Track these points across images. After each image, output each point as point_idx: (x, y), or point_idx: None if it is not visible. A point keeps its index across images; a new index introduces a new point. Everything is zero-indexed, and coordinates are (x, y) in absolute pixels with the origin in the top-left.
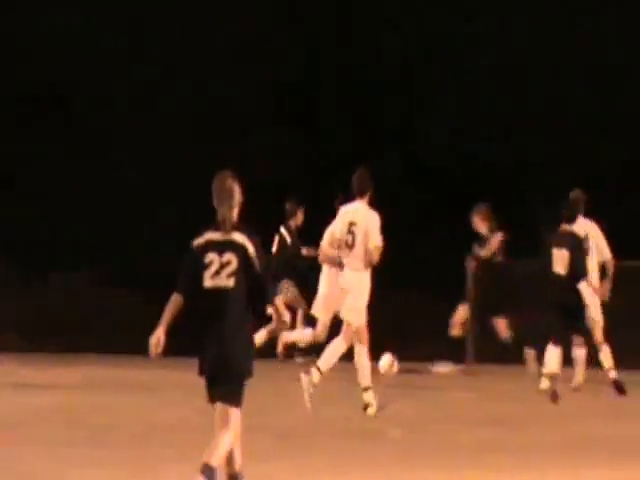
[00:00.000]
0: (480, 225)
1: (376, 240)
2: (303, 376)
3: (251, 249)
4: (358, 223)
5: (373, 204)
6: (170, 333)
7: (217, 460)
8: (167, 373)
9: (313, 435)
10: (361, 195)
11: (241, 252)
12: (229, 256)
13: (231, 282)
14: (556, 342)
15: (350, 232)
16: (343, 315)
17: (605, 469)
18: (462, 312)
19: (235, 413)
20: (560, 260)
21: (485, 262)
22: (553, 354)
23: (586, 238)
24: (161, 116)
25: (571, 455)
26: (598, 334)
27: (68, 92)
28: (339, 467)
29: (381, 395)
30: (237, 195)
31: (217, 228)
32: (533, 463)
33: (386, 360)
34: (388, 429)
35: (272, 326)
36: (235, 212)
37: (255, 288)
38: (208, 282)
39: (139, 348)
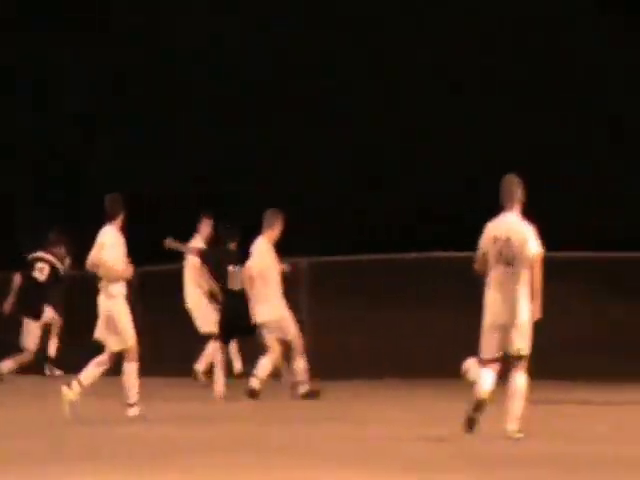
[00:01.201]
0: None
1: (114, 259)
2: (64, 388)
3: None
4: (106, 244)
5: (124, 228)
6: None
7: None
8: None
9: None
10: (112, 218)
11: None
12: None
13: None
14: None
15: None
16: (106, 342)
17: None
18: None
19: None
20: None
21: None
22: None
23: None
24: None
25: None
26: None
27: None
28: None
29: None
30: None
31: None
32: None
33: None
34: None
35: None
36: None
37: None
38: None
39: None
